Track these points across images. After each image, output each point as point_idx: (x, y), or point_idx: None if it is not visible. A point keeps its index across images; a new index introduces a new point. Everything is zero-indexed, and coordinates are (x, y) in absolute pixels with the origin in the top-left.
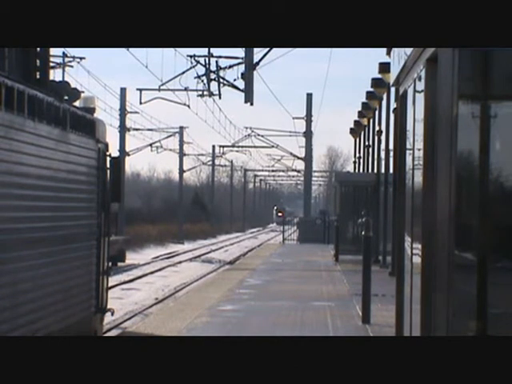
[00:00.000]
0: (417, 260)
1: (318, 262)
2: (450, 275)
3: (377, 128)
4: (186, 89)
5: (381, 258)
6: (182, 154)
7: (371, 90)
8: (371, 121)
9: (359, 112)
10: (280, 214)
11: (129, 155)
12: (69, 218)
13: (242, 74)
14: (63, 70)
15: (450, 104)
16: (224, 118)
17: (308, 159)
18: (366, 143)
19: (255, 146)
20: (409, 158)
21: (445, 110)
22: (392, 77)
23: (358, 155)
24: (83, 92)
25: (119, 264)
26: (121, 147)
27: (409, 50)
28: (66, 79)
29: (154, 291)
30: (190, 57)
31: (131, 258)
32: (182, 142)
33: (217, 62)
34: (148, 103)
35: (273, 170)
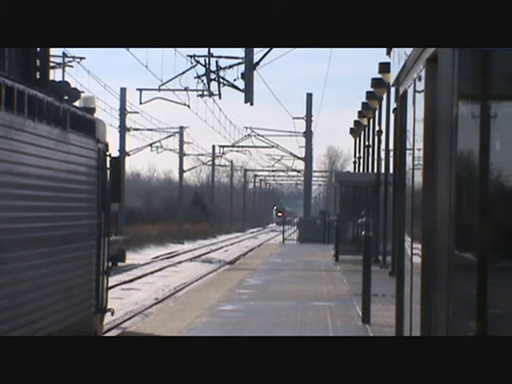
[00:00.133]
0: (417, 260)
1: (318, 262)
2: (450, 275)
3: (377, 128)
4: (186, 89)
5: (381, 257)
6: (181, 154)
7: (371, 90)
8: (371, 121)
9: (359, 112)
10: (280, 214)
11: (129, 155)
12: (69, 218)
13: (242, 74)
14: (63, 70)
15: (450, 104)
16: (224, 118)
17: (308, 159)
18: (366, 143)
19: (255, 146)
20: (409, 158)
21: (445, 110)
22: (392, 77)
23: (358, 155)
24: (83, 92)
25: (119, 264)
26: (121, 147)
27: (409, 50)
28: (66, 79)
29: (153, 291)
30: (190, 57)
31: (131, 258)
32: (181, 142)
33: (217, 62)
34: (148, 103)
35: (273, 170)
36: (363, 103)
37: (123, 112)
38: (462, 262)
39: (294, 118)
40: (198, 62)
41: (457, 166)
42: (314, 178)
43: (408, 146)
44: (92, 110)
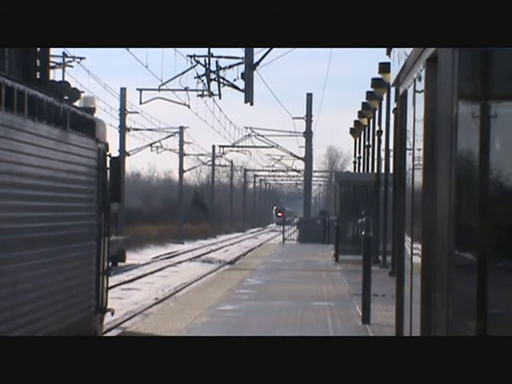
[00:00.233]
0: (417, 260)
1: (318, 262)
2: (450, 275)
3: (377, 128)
4: (186, 89)
5: (381, 257)
6: (182, 154)
7: (371, 90)
8: (371, 121)
9: (359, 112)
10: (280, 214)
11: (129, 155)
12: (69, 218)
13: (242, 74)
14: (63, 70)
15: (450, 104)
16: (224, 118)
17: (308, 159)
18: (366, 143)
19: (255, 146)
20: (409, 158)
21: (445, 110)
22: (392, 77)
23: (358, 155)
24: (83, 92)
25: (119, 264)
26: (121, 147)
27: (409, 50)
28: (66, 79)
29: (154, 291)
30: (190, 57)
31: (131, 257)
32: (181, 142)
33: (217, 62)
34: (148, 103)
35: (273, 170)
36: (363, 103)
37: (123, 112)
38: (462, 262)
39: (293, 118)
40: (198, 61)
41: (457, 165)
42: (314, 178)
43: (408, 146)
44: (92, 110)
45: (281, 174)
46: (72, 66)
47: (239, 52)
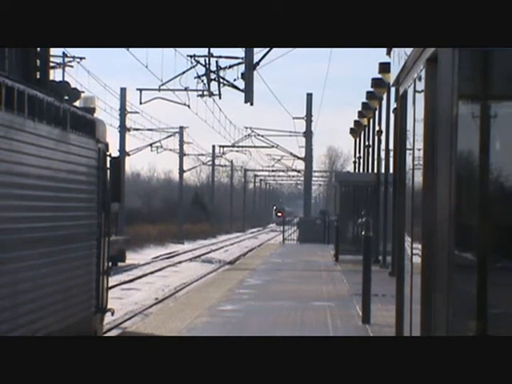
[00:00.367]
0: (417, 260)
1: (318, 262)
2: (450, 275)
3: (377, 128)
4: (186, 89)
5: (381, 258)
6: (182, 154)
7: (371, 89)
8: (371, 121)
9: (359, 112)
10: (279, 214)
11: (129, 155)
12: (69, 218)
13: (242, 74)
14: (63, 70)
15: (450, 104)
16: (224, 118)
17: (308, 159)
18: (366, 143)
19: (255, 146)
20: (409, 158)
21: (445, 110)
22: (392, 77)
23: (358, 155)
24: (83, 92)
25: (119, 264)
26: (121, 147)
27: (409, 50)
28: (66, 79)
29: (154, 291)
30: (190, 57)
31: (131, 257)
32: (181, 142)
33: (217, 62)
34: (148, 103)
35: (273, 170)
36: (363, 103)
37: (123, 112)
38: (462, 262)
39: (294, 118)
40: (198, 61)
41: (457, 165)
42: (314, 178)
43: (408, 146)
44: (92, 110)
45: (281, 173)
46: (72, 66)
47: (239, 52)
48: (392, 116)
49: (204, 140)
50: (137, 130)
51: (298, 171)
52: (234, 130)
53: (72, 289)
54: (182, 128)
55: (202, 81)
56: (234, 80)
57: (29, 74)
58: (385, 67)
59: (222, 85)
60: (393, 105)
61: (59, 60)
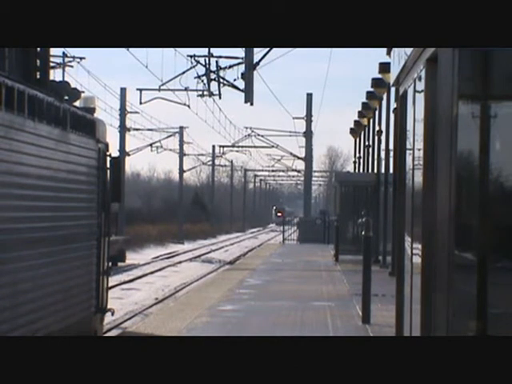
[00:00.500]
0: (417, 260)
1: (318, 262)
2: (450, 275)
3: (377, 128)
4: (186, 89)
5: (381, 258)
6: (182, 154)
7: (371, 89)
8: (371, 121)
9: (359, 112)
10: (279, 214)
11: (129, 155)
12: (69, 218)
13: (242, 74)
14: (63, 70)
15: (450, 104)
16: (224, 118)
17: (308, 159)
18: (366, 143)
19: (255, 146)
20: (409, 158)
21: (445, 110)
22: (392, 77)
23: (358, 155)
24: (83, 92)
25: (119, 264)
26: (121, 147)
27: (409, 50)
28: (66, 79)
29: (154, 291)
30: (190, 57)
31: (131, 257)
32: (182, 142)
33: (217, 62)
34: (148, 103)
35: (273, 170)
36: (363, 103)
37: (123, 112)
38: (462, 262)
39: (294, 118)
40: (198, 61)
41: (457, 166)
42: (314, 178)
43: (408, 146)
44: (92, 110)
45: (281, 173)
46: (72, 66)
47: (239, 52)
48: (392, 116)
49: (204, 140)
50: (137, 129)
51: (298, 171)
52: (234, 130)
53: (72, 289)
54: (181, 128)
55: (202, 81)
56: (234, 80)
57: (29, 74)
58: (385, 67)
59: (221, 85)
60: (393, 105)
61: (59, 60)
